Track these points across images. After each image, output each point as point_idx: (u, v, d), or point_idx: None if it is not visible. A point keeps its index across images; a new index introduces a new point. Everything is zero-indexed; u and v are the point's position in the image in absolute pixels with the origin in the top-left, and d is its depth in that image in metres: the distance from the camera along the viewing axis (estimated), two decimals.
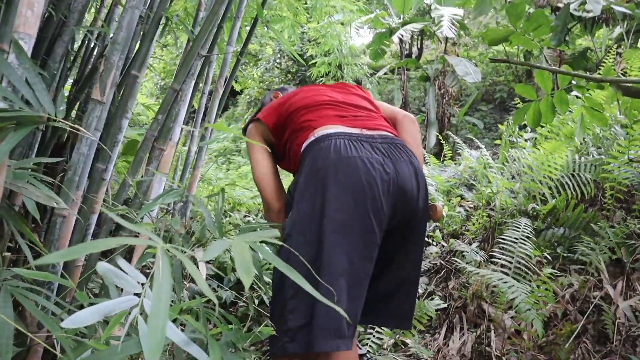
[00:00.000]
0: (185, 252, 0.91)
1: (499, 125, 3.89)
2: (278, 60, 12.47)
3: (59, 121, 1.21)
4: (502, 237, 2.30)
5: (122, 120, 2.04)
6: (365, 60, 13.06)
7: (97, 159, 1.94)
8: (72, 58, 2.45)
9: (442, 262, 2.71)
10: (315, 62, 8.76)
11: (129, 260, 2.30)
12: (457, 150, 4.68)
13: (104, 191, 2.07)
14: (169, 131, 2.08)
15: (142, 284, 1.02)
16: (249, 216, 3.48)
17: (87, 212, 1.93)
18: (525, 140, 3.63)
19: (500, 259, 2.20)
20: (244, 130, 2.31)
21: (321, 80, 10.67)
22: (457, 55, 10.68)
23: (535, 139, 3.59)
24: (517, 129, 3.69)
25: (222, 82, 2.86)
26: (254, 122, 1.97)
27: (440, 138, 7.54)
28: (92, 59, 2.62)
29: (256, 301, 2.37)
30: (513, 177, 3.13)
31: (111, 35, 2.29)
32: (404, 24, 10.26)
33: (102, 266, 0.93)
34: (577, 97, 2.71)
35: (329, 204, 1.41)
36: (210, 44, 2.27)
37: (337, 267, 1.36)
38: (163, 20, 2.48)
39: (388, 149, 1.53)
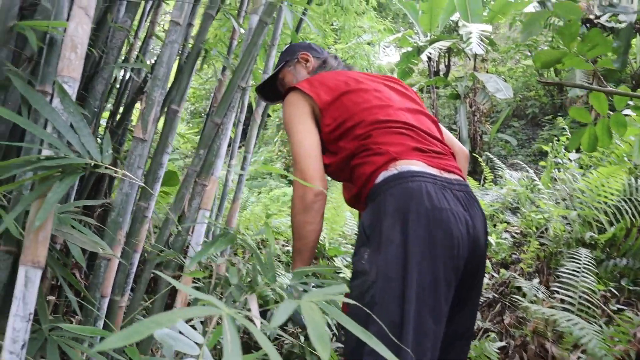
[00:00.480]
0: (241, 309, 0.83)
1: (543, 147, 3.74)
2: None
3: (107, 167, 1.15)
4: (562, 269, 2.16)
5: (162, 156, 2.00)
6: None
7: (139, 197, 1.89)
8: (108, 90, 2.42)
9: (495, 295, 2.57)
10: None
11: (172, 300, 2.23)
12: (496, 170, 4.54)
13: (146, 229, 2.02)
14: (210, 166, 2.02)
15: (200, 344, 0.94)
16: (288, 246, 3.40)
17: (130, 251, 1.88)
18: (571, 160, 3.49)
19: (560, 293, 2.06)
20: (264, 91, 2.12)
21: None
22: (487, 72, 10.55)
23: (580, 159, 3.46)
24: (563, 150, 3.56)
25: (260, 111, 2.81)
26: (298, 92, 1.70)
27: (477, 157, 7.39)
28: (127, 91, 2.60)
29: (302, 337, 2.27)
30: (564, 200, 2.99)
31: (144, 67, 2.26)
32: (432, 42, 10.19)
33: (160, 333, 0.86)
34: (628, 115, 2.58)
35: (420, 258, 1.29)
36: (248, 74, 2.22)
37: (424, 326, 1.26)
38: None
39: (466, 199, 1.43)
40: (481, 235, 1.44)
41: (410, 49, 11.33)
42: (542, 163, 3.60)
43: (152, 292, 2.24)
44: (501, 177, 4.33)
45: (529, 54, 12.53)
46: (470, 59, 10.77)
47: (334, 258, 3.21)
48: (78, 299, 1.98)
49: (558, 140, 3.63)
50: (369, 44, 9.80)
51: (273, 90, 2.11)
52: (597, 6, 8.34)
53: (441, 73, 12.19)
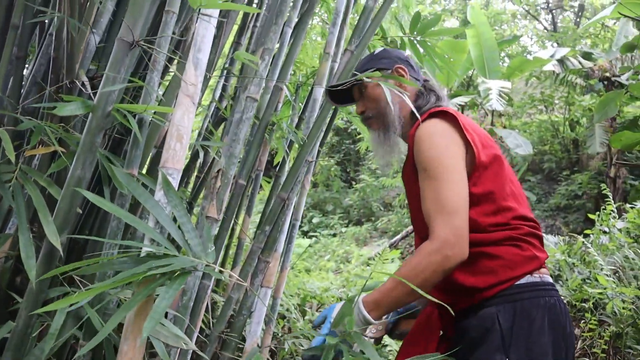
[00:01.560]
0: None
1: (590, 215, 3.64)
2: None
3: (213, 267, 1.08)
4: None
5: (226, 233, 1.92)
6: None
7: (202, 277, 1.81)
8: None
9: None
10: (363, 137, 8.69)
11: None
12: None
13: (205, 307, 1.93)
14: (274, 242, 1.95)
15: None
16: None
17: (193, 331, 1.79)
18: (619, 229, 3.40)
19: None
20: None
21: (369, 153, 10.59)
22: (504, 127, 10.58)
23: (628, 229, 3.37)
24: (611, 218, 3.47)
25: (309, 177, 2.75)
26: (452, 126, 1.39)
27: None
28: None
29: None
30: (615, 274, 2.89)
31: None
32: (450, 97, 10.26)
33: None
34: None
35: None
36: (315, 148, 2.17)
37: None
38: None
39: None
40: None
41: None
42: (587, 231, 3.50)
43: None
44: None
45: (544, 109, 12.61)
46: (487, 114, 10.82)
47: None
48: None
49: (605, 208, 3.56)
50: None
51: (345, 93, 1.66)
52: (618, 66, 8.43)
53: None
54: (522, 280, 1.31)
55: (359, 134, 8.93)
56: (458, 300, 1.40)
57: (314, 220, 10.87)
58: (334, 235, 10.24)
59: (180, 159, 1.14)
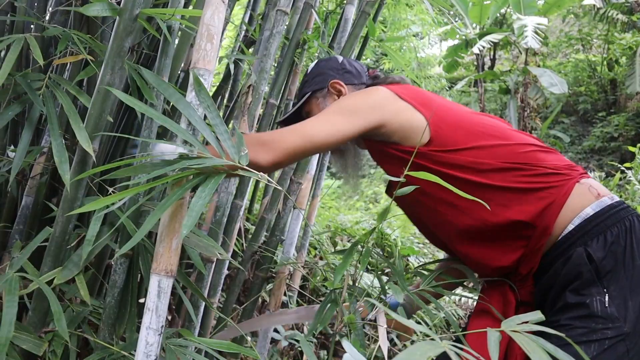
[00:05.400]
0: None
1: (630, 148, 3.52)
2: None
3: (243, 169, 1.05)
4: None
5: None
6: (434, 71, 12.72)
7: (235, 196, 1.81)
8: None
9: None
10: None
11: (263, 305, 2.15)
12: None
13: (238, 227, 1.94)
14: (306, 163, 1.93)
15: None
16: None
17: (226, 250, 1.80)
18: None
19: None
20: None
21: None
22: (538, 66, 10.23)
23: None
24: None
25: None
26: (399, 96, 1.30)
27: None
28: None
29: None
30: None
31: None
32: (482, 35, 9.92)
33: None
34: None
35: None
36: None
37: None
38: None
39: None
40: None
41: (456, 41, 11.07)
42: (626, 164, 3.38)
43: (245, 293, 2.16)
44: None
45: (581, 48, 12.12)
46: (522, 53, 10.45)
47: (407, 257, 3.10)
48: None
49: None
50: (415, 35, 9.59)
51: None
52: None
53: (486, 67, 11.87)
54: (596, 208, 1.20)
55: (389, 72, 8.74)
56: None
57: None
58: (363, 176, 10.24)
59: (212, 60, 1.10)
